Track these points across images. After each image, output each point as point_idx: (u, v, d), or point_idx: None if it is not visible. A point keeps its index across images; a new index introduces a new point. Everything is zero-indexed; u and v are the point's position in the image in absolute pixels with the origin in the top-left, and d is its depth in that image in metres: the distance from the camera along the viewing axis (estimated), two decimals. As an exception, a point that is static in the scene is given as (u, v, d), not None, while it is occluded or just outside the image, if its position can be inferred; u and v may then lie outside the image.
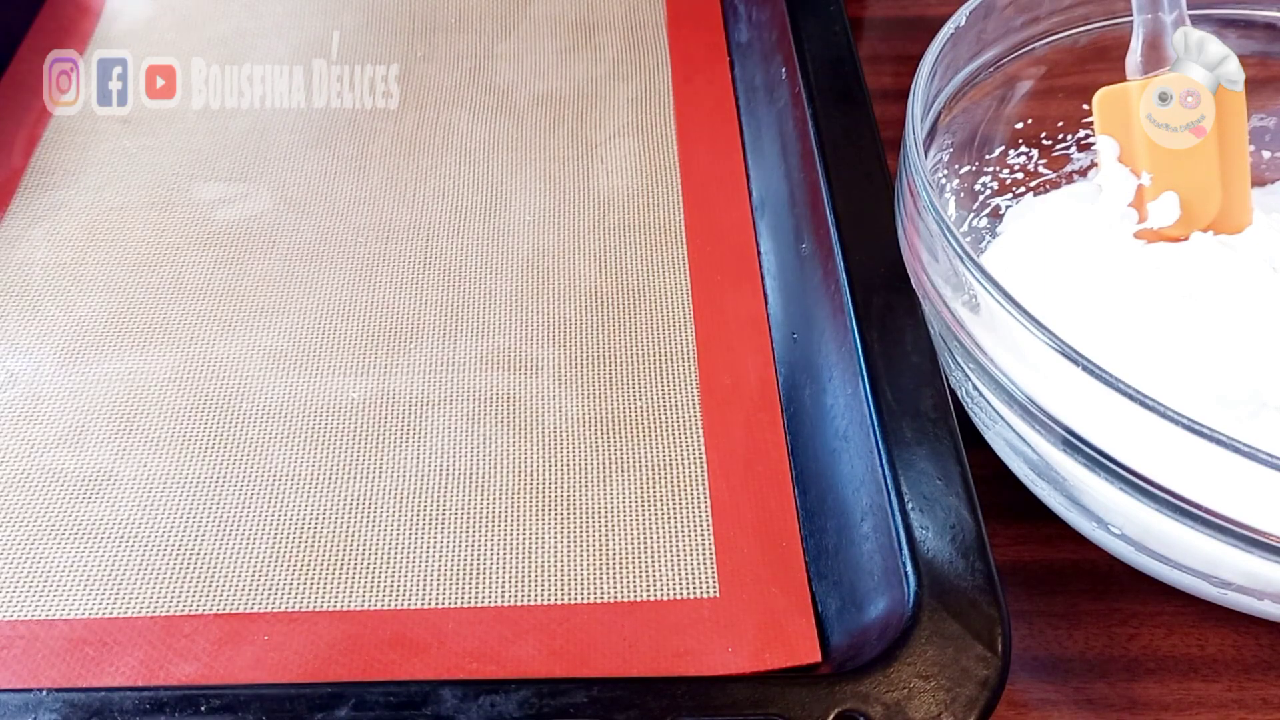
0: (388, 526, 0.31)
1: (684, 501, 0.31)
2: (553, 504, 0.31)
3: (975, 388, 0.28)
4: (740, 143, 0.42)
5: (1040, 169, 0.36)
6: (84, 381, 0.34)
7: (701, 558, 0.30)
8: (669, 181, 0.40)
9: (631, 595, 0.29)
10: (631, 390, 0.34)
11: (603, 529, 0.31)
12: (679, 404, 0.34)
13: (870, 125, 0.35)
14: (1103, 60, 0.34)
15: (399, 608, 0.29)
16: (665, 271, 0.37)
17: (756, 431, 0.33)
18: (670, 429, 0.33)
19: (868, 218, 0.32)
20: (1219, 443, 0.21)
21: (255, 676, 0.27)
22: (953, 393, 0.29)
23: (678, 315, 0.36)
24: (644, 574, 0.30)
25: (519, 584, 0.29)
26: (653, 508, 0.31)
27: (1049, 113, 0.36)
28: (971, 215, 0.35)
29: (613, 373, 0.34)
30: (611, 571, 0.30)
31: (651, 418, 0.33)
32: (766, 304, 0.36)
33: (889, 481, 0.26)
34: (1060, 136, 0.36)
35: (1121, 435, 0.24)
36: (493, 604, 0.29)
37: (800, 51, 0.38)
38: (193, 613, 0.29)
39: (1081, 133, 0.36)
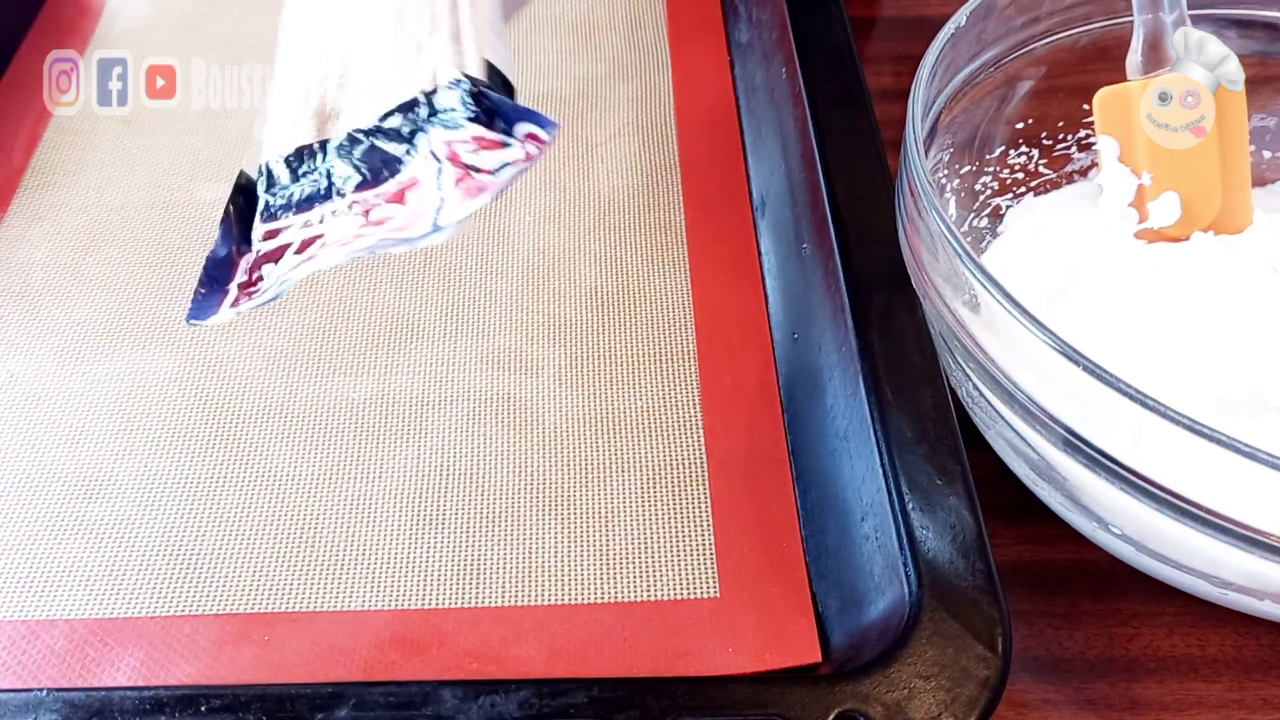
0: (388, 527, 0.31)
1: (684, 501, 0.31)
2: (553, 504, 0.31)
3: (975, 388, 0.28)
4: (740, 143, 0.41)
5: (1040, 169, 0.36)
6: (84, 381, 0.34)
7: (701, 558, 0.30)
8: (669, 181, 0.40)
9: (632, 595, 0.29)
10: (631, 390, 0.34)
11: (603, 529, 0.31)
12: (679, 404, 0.34)
13: (870, 125, 0.35)
14: (1103, 60, 0.34)
15: (399, 608, 0.29)
16: (665, 271, 0.37)
17: (756, 431, 0.33)
18: (670, 429, 0.33)
19: (868, 218, 0.32)
20: (1219, 443, 0.21)
21: (255, 676, 0.28)
22: (953, 393, 0.29)
23: (678, 315, 0.36)
24: (644, 574, 0.30)
25: (519, 584, 0.29)
26: (653, 508, 0.31)
27: (1049, 113, 0.36)
28: (972, 215, 0.35)
29: (612, 372, 0.34)
30: (612, 572, 0.30)
31: (651, 418, 0.33)
32: (766, 304, 0.36)
33: (889, 481, 0.26)
34: (1061, 136, 0.36)
35: (1121, 435, 0.24)
36: (493, 604, 0.29)
37: (800, 51, 0.38)
38: (193, 613, 0.29)
39: (1082, 133, 0.36)
